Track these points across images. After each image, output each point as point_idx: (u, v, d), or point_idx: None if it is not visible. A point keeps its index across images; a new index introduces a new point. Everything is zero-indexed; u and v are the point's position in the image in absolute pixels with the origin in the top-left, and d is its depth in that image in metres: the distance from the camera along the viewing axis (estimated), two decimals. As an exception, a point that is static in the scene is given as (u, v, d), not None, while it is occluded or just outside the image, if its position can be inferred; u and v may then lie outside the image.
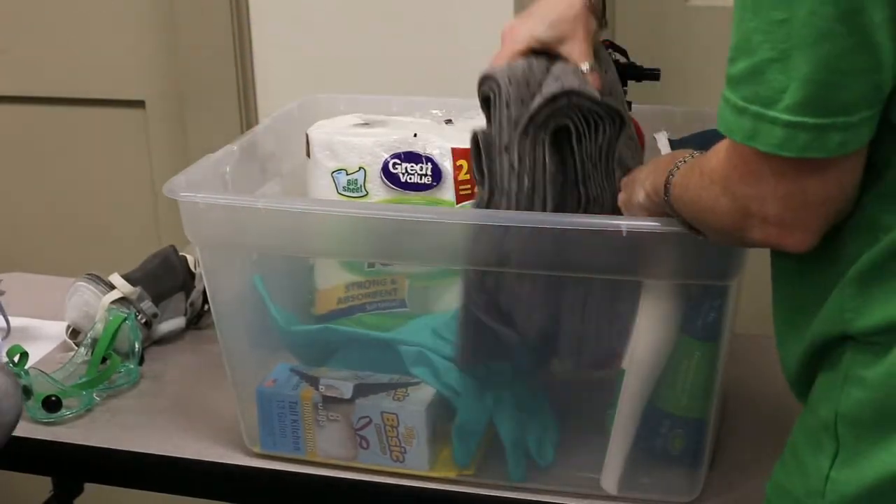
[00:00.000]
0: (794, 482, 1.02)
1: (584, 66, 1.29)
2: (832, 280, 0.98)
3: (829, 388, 1.00)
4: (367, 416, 1.37)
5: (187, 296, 1.71)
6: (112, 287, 1.65)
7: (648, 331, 1.27)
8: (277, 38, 2.15)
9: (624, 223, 1.20)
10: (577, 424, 1.35)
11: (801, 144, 0.90)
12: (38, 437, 1.50)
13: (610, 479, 1.32)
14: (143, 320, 1.65)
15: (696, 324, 1.28)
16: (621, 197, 1.26)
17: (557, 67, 1.29)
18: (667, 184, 1.11)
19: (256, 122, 2.12)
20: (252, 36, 2.17)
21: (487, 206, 1.27)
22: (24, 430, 1.51)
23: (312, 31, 2.13)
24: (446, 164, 1.46)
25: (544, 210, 1.25)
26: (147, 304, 1.65)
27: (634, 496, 1.34)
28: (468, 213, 1.33)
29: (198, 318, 1.74)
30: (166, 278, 1.70)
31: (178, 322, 1.71)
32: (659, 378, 1.29)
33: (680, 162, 1.11)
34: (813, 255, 0.99)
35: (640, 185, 1.20)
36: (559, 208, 1.26)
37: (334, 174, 1.50)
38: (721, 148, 0.98)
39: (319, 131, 1.53)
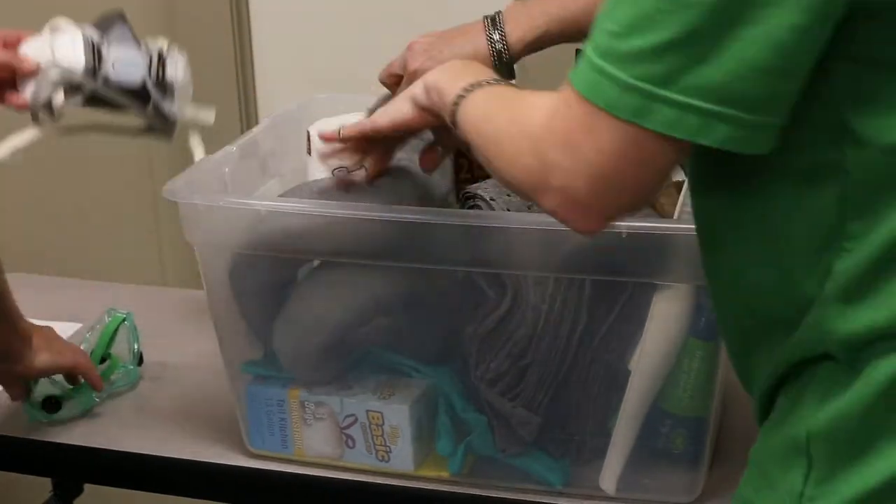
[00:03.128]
0: (764, 500, 1.00)
1: None
2: (807, 296, 0.95)
3: (799, 406, 0.97)
4: (353, 415, 1.37)
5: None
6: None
7: (658, 333, 1.27)
8: (277, 38, 2.15)
9: (623, 225, 1.20)
10: (579, 424, 1.35)
11: (690, 128, 0.87)
12: (38, 438, 1.50)
13: (609, 480, 1.32)
14: (92, 45, 1.42)
15: (698, 323, 1.28)
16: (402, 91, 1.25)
17: None
18: (460, 95, 1.10)
19: (256, 122, 2.12)
20: (252, 36, 2.17)
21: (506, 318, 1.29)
22: (24, 430, 1.51)
23: (312, 31, 2.13)
24: (446, 163, 1.46)
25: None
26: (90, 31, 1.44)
27: (634, 496, 1.34)
28: (469, 215, 1.33)
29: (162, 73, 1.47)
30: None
31: (132, 55, 1.44)
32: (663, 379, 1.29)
33: (486, 82, 1.09)
34: (779, 269, 0.96)
35: (421, 78, 1.20)
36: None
37: (335, 171, 1.49)
38: (544, 107, 0.94)
39: (321, 128, 1.52)
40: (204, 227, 1.37)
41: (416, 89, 1.20)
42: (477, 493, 1.36)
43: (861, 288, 0.92)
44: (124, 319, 1.59)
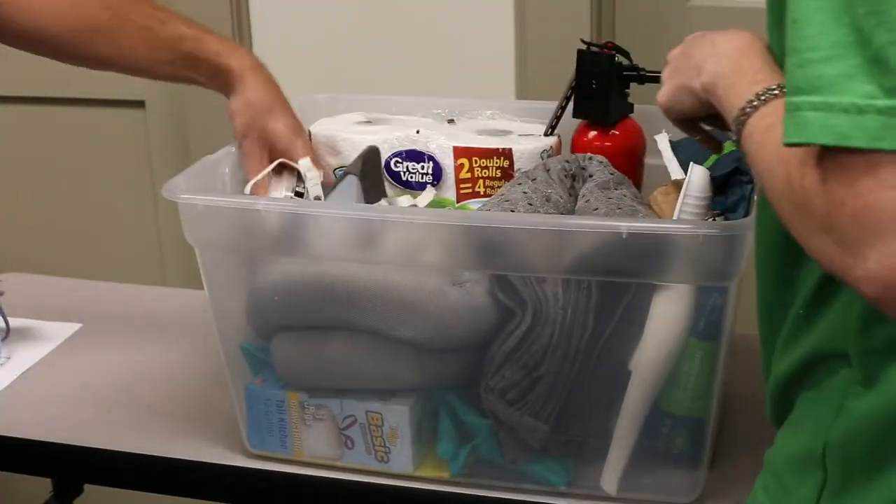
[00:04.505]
0: None
1: None
2: (840, 290, 0.94)
3: (817, 415, 0.97)
4: (353, 416, 1.37)
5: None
6: None
7: (658, 333, 1.26)
8: (277, 38, 2.15)
9: (624, 224, 1.20)
10: (581, 426, 1.35)
11: None
12: (38, 438, 1.50)
13: (610, 480, 1.32)
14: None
15: (698, 324, 1.27)
16: (666, 72, 1.12)
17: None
18: (748, 107, 0.93)
19: (256, 122, 2.12)
20: (252, 36, 2.17)
21: (528, 334, 1.28)
22: (24, 430, 1.51)
23: (312, 31, 2.13)
24: (447, 163, 1.46)
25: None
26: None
27: (634, 496, 1.34)
28: (468, 215, 1.33)
29: None
30: None
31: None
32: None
33: (777, 91, 0.92)
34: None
35: (696, 72, 1.05)
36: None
37: (336, 171, 1.50)
38: (812, 163, 0.80)
39: (322, 128, 1.53)
40: (204, 227, 1.37)
41: (695, 82, 1.05)
42: (477, 494, 1.36)
43: None
44: None
